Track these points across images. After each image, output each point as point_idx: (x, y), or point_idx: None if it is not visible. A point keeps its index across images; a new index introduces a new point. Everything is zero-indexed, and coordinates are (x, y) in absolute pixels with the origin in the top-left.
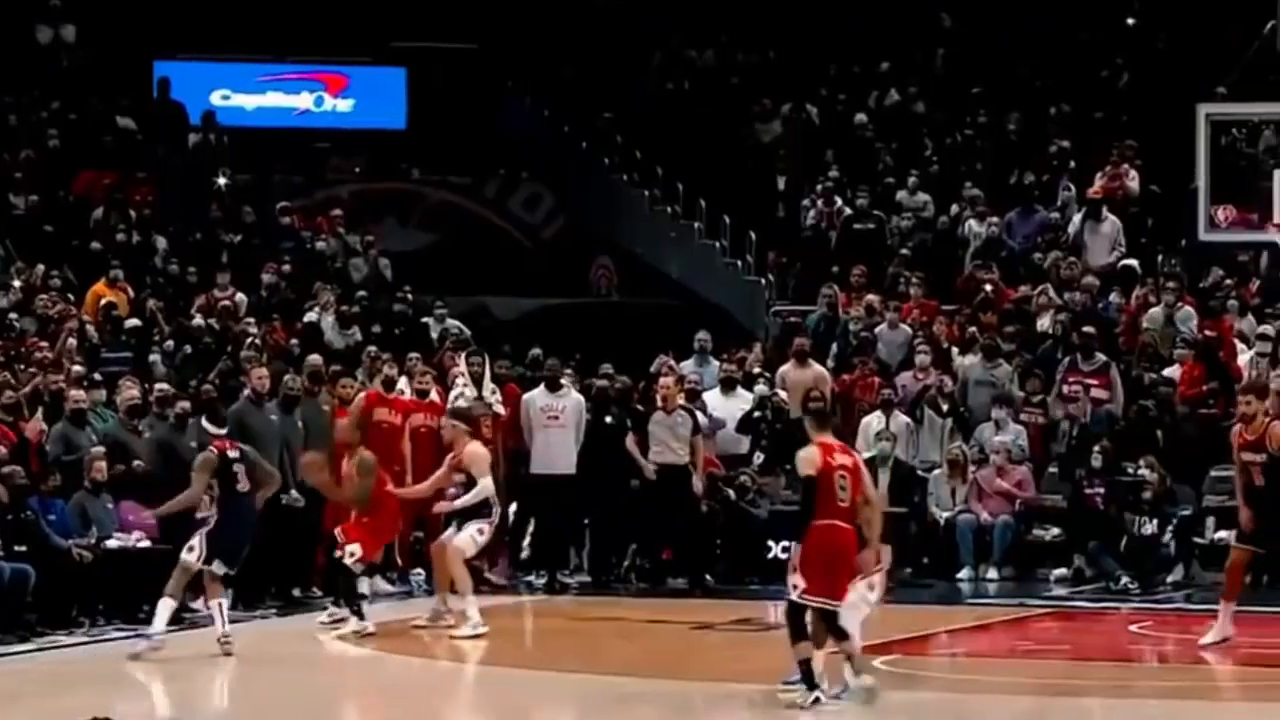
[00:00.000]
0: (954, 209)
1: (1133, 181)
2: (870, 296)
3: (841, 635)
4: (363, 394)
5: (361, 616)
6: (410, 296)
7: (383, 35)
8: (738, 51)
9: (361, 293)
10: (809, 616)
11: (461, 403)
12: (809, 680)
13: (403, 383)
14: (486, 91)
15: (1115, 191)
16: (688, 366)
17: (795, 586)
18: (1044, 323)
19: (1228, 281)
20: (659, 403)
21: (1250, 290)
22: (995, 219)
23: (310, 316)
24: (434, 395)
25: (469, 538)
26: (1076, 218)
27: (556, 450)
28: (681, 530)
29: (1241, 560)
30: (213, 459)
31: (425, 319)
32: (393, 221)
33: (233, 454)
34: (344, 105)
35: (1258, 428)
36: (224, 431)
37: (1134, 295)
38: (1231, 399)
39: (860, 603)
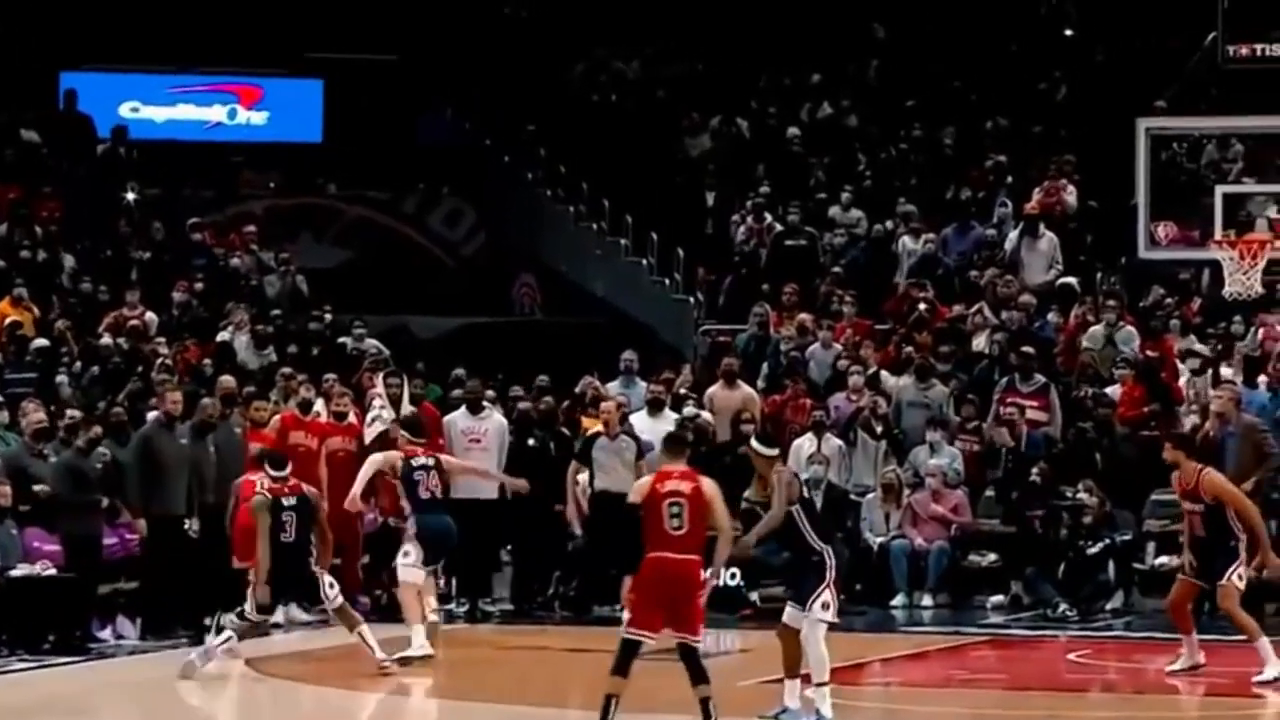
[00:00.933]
0: (888, 225)
1: (1071, 197)
2: (802, 315)
3: (700, 676)
4: (278, 416)
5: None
6: (327, 315)
7: (298, 46)
8: (665, 63)
9: (276, 311)
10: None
11: (379, 425)
12: (603, 714)
13: (319, 405)
14: (406, 104)
15: (1053, 207)
16: (613, 388)
17: (624, 620)
18: (979, 342)
19: (1168, 300)
20: (602, 427)
21: (1192, 309)
22: (930, 235)
23: (223, 336)
24: (352, 418)
25: (402, 566)
26: (1013, 234)
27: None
28: (625, 558)
29: (1188, 594)
30: (265, 502)
31: (343, 338)
32: (309, 238)
33: (288, 501)
34: (258, 118)
35: (1189, 477)
36: (284, 473)
37: (1072, 314)
38: (1173, 421)
39: (819, 622)
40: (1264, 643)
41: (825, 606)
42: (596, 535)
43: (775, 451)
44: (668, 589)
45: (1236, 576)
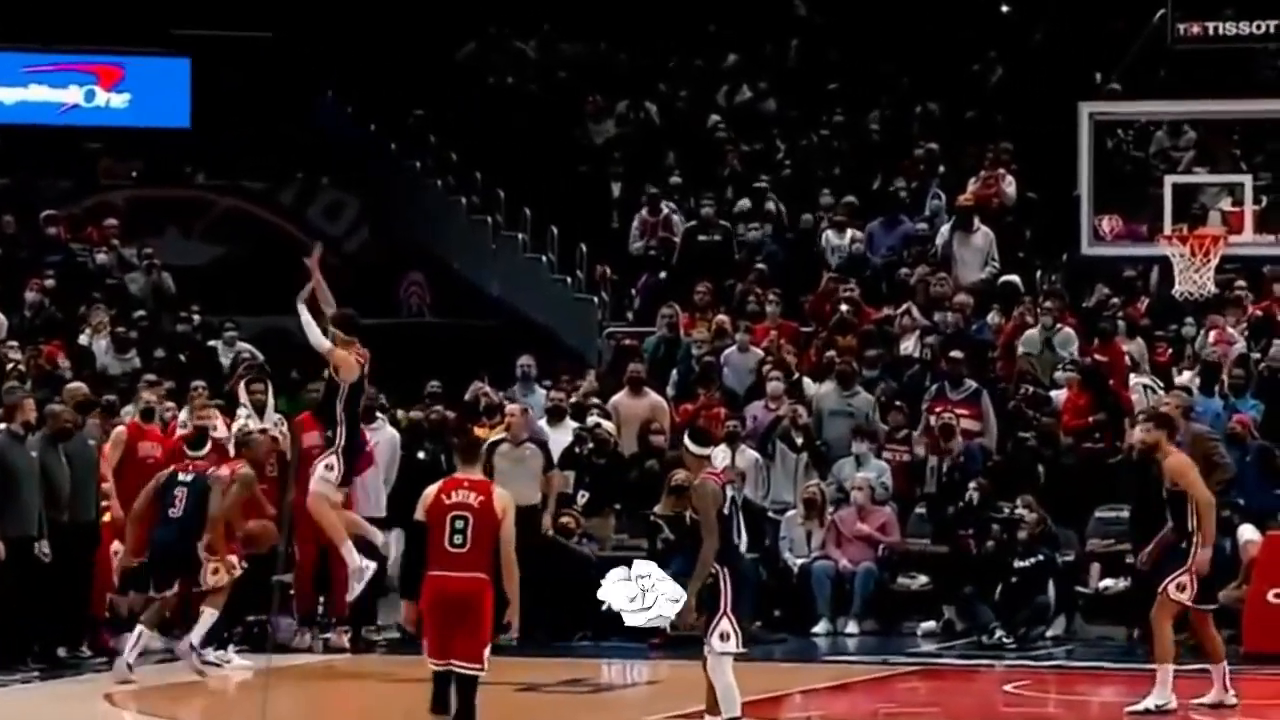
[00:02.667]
0: (811, 218)
1: (1009, 188)
2: (720, 317)
3: (464, 716)
4: (120, 429)
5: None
6: (196, 317)
7: (163, 21)
8: (565, 41)
9: (140, 312)
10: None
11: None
12: None
13: (184, 414)
14: (282, 86)
15: (989, 199)
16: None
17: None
18: (908, 345)
19: (1114, 300)
20: (505, 433)
21: (1139, 310)
22: (856, 230)
23: (82, 339)
24: (221, 430)
25: (319, 479)
26: (945, 229)
27: (365, 490)
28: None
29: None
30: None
31: (213, 342)
32: (175, 232)
33: (184, 476)
34: (119, 100)
35: (1161, 460)
36: (201, 453)
37: (1012, 315)
38: (1121, 432)
39: (723, 656)
40: (1167, 671)
41: (724, 637)
42: None
43: (708, 451)
44: (449, 612)
45: (1176, 586)
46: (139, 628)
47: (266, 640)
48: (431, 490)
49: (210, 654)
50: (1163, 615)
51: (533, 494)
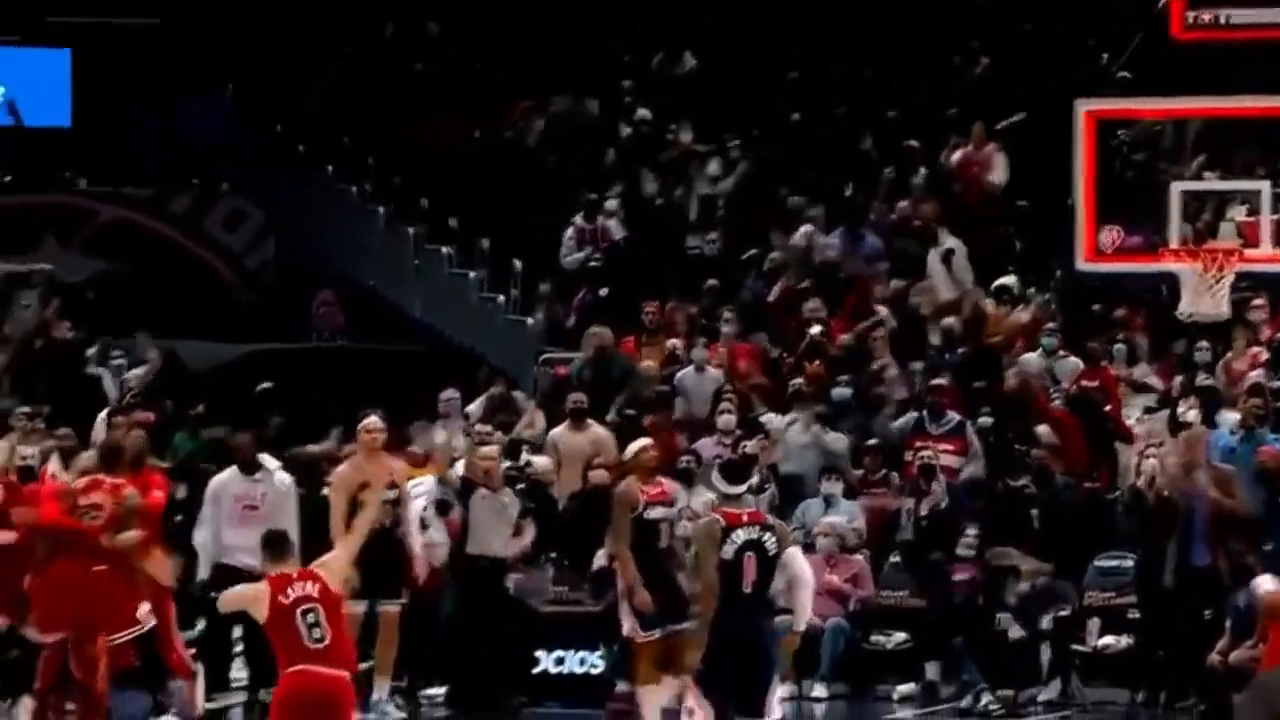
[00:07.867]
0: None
1: (996, 176)
2: (671, 340)
3: None
4: None
5: None
6: (71, 336)
7: (39, 8)
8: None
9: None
10: None
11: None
12: None
13: (55, 464)
14: (174, 81)
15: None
16: (439, 433)
17: None
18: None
19: (1117, 314)
20: (479, 477)
21: (1143, 332)
22: (829, 237)
23: None
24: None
25: None
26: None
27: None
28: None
29: None
30: None
31: (97, 369)
32: (53, 244)
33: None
34: None
35: None
36: None
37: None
38: (1116, 468)
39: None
40: None
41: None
42: (470, 610)
43: (740, 489)
44: (322, 708)
45: None
46: None
47: None
48: (263, 594)
49: None
50: None
51: (504, 547)
